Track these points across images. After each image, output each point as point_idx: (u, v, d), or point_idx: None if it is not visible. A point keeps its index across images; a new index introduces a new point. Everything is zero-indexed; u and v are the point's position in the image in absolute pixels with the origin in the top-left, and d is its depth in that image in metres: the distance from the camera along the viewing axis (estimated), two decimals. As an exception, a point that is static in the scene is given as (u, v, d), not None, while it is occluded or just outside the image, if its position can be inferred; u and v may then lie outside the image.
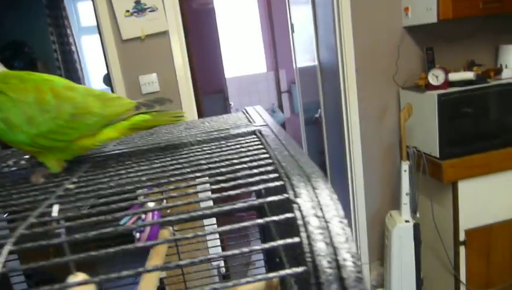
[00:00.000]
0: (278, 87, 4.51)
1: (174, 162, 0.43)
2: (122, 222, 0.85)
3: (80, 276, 0.34)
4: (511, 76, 2.08)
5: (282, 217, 0.26)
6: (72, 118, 0.50)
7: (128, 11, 2.06)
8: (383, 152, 2.38)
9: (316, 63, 2.87)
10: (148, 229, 0.79)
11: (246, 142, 0.47)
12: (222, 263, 2.26)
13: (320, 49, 2.81)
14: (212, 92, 3.61)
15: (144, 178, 0.38)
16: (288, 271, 0.24)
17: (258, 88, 4.49)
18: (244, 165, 0.37)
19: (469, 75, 2.01)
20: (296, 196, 0.28)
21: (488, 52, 2.35)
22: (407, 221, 2.12)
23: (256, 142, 0.46)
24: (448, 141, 1.98)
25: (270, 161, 0.37)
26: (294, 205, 0.27)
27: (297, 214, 0.26)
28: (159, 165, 0.43)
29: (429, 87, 2.04)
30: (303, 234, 0.25)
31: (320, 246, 0.25)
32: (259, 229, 0.89)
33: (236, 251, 0.28)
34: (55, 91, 0.51)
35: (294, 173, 0.31)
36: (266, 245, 0.26)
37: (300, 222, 0.26)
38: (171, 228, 0.87)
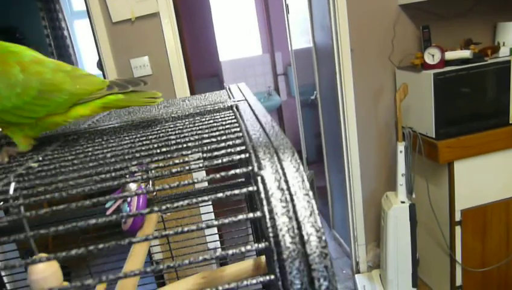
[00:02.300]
0: (274, 69, 4.46)
1: (144, 138, 0.41)
2: (107, 205, 0.83)
3: (44, 256, 0.32)
4: (509, 54, 2.05)
5: (244, 190, 0.25)
6: (40, 95, 0.47)
7: (117, -8, 2.01)
8: (378, 133, 2.37)
9: (311, 44, 2.83)
10: (133, 210, 0.77)
11: (220, 118, 0.45)
12: (219, 248, 2.26)
13: (315, 30, 2.77)
14: (207, 76, 3.57)
15: (109, 155, 0.36)
16: (248, 247, 0.22)
17: (254, 71, 4.44)
18: (213, 139, 0.35)
19: (466, 53, 1.98)
20: (260, 168, 0.26)
21: (486, 30, 2.31)
22: (402, 202, 2.11)
23: (231, 117, 0.44)
24: (444, 121, 1.96)
25: (240, 134, 0.35)
26: (258, 178, 0.25)
27: (260, 187, 0.25)
28: (128, 142, 0.41)
29: (425, 66, 2.01)
30: (265, 208, 0.23)
31: (283, 220, 0.23)
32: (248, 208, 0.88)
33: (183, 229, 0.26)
34: (22, 64, 0.47)
35: (261, 146, 0.29)
36: (226, 220, 0.24)
37: (262, 195, 0.24)
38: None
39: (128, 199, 0.80)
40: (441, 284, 2.25)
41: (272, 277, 0.23)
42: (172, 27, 2.14)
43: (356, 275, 2.52)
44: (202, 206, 2.11)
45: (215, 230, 2.10)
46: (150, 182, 0.83)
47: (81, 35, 4.35)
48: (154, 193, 0.84)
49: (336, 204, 2.97)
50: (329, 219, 3.14)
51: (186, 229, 0.27)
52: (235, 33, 4.38)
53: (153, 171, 0.47)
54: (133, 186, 0.74)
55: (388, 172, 2.43)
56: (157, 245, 2.08)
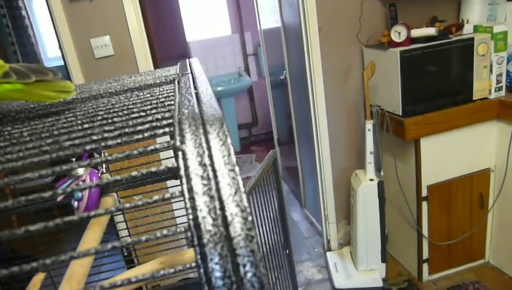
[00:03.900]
0: (244, 50, 4.40)
1: (71, 115, 0.37)
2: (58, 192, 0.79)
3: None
4: (472, 31, 2.08)
5: (162, 167, 0.22)
6: None
7: (73, -33, 1.91)
8: (347, 112, 2.37)
9: (280, 23, 2.79)
10: (86, 196, 0.73)
11: (158, 92, 0.42)
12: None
13: (283, 9, 2.72)
14: (173, 57, 3.48)
15: (25, 133, 0.32)
16: (164, 232, 0.20)
17: (223, 51, 4.36)
18: (142, 113, 0.32)
19: (431, 31, 1.99)
20: (182, 142, 0.23)
21: (451, 7, 2.32)
22: (371, 179, 2.14)
23: (169, 91, 0.41)
24: (410, 99, 1.98)
25: (172, 107, 0.32)
26: (178, 153, 0.22)
27: (181, 162, 0.22)
28: (51, 119, 0.37)
29: (392, 44, 2.01)
30: (184, 187, 0.20)
31: (203, 199, 0.20)
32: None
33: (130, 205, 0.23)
34: None
35: (189, 118, 0.26)
36: (140, 202, 0.21)
37: (182, 172, 0.21)
38: (115, 194, 0.82)
39: (80, 183, 0.76)
40: (408, 258, 2.31)
41: (193, 264, 0.20)
42: (134, 5, 2.05)
43: (327, 253, 2.56)
44: (172, 186, 2.07)
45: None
46: (103, 166, 0.79)
47: (41, 15, 4.14)
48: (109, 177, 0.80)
49: (307, 184, 2.99)
50: (301, 199, 3.17)
51: (109, 209, 0.24)
52: (203, 13, 4.27)
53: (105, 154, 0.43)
54: (81, 169, 0.70)
55: (357, 150, 2.44)
56: (125, 229, 2.03)
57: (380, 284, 2.20)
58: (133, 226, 1.19)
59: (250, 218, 0.20)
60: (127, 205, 0.21)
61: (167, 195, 0.21)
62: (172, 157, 2.06)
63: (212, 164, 0.21)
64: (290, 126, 3.01)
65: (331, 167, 2.44)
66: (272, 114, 3.52)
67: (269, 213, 1.21)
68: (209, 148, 0.22)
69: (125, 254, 2.03)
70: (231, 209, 0.20)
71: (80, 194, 0.74)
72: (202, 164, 0.22)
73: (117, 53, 2.09)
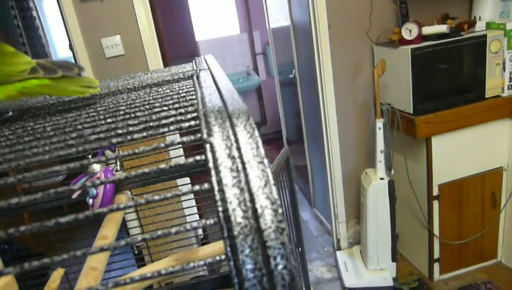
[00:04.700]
0: (253, 49, 4.39)
1: (92, 110, 0.38)
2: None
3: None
4: (485, 28, 2.05)
5: (190, 160, 0.22)
6: None
7: (84, -33, 1.92)
8: (357, 110, 2.36)
9: (289, 22, 2.78)
10: (101, 194, 0.74)
11: (178, 87, 0.42)
12: (200, 229, 2.24)
13: (292, 7, 2.71)
14: (183, 56, 3.49)
15: (49, 128, 0.33)
16: (194, 224, 0.20)
17: (232, 51, 4.37)
18: (164, 108, 0.32)
19: (442, 28, 1.97)
20: (209, 134, 0.23)
21: (462, 4, 2.30)
22: (382, 178, 2.12)
23: (189, 86, 0.41)
24: (421, 97, 1.96)
25: (194, 102, 0.32)
26: (206, 145, 0.22)
27: (209, 155, 0.22)
28: (73, 114, 0.38)
29: (403, 42, 1.99)
30: (213, 179, 0.20)
31: (233, 192, 0.20)
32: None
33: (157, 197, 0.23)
34: None
35: (214, 111, 0.26)
36: (169, 194, 0.21)
37: (211, 164, 0.21)
38: (128, 192, 0.82)
39: (96, 182, 0.76)
40: (419, 258, 2.30)
41: (223, 257, 0.20)
42: (144, 4, 2.06)
43: (337, 252, 2.55)
44: (181, 185, 2.07)
45: (195, 208, 2.06)
46: (118, 163, 0.79)
47: (51, 16, 4.18)
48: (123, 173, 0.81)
49: (316, 183, 2.98)
50: (310, 198, 3.16)
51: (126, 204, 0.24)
52: (212, 12, 4.28)
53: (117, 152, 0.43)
54: (96, 167, 0.71)
55: (367, 149, 2.43)
56: (136, 227, 2.03)
57: (390, 283, 2.18)
58: (144, 224, 1.20)
59: (280, 210, 0.20)
60: (157, 198, 0.21)
61: (196, 187, 0.21)
62: (181, 155, 2.07)
63: (240, 156, 0.21)
64: (299, 125, 3.01)
65: (341, 165, 2.43)
66: (280, 113, 3.51)
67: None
68: (237, 141, 0.22)
69: (136, 252, 2.04)
70: (261, 201, 0.20)
71: (94, 191, 0.75)
72: (231, 156, 0.21)
73: (127, 52, 2.10)
